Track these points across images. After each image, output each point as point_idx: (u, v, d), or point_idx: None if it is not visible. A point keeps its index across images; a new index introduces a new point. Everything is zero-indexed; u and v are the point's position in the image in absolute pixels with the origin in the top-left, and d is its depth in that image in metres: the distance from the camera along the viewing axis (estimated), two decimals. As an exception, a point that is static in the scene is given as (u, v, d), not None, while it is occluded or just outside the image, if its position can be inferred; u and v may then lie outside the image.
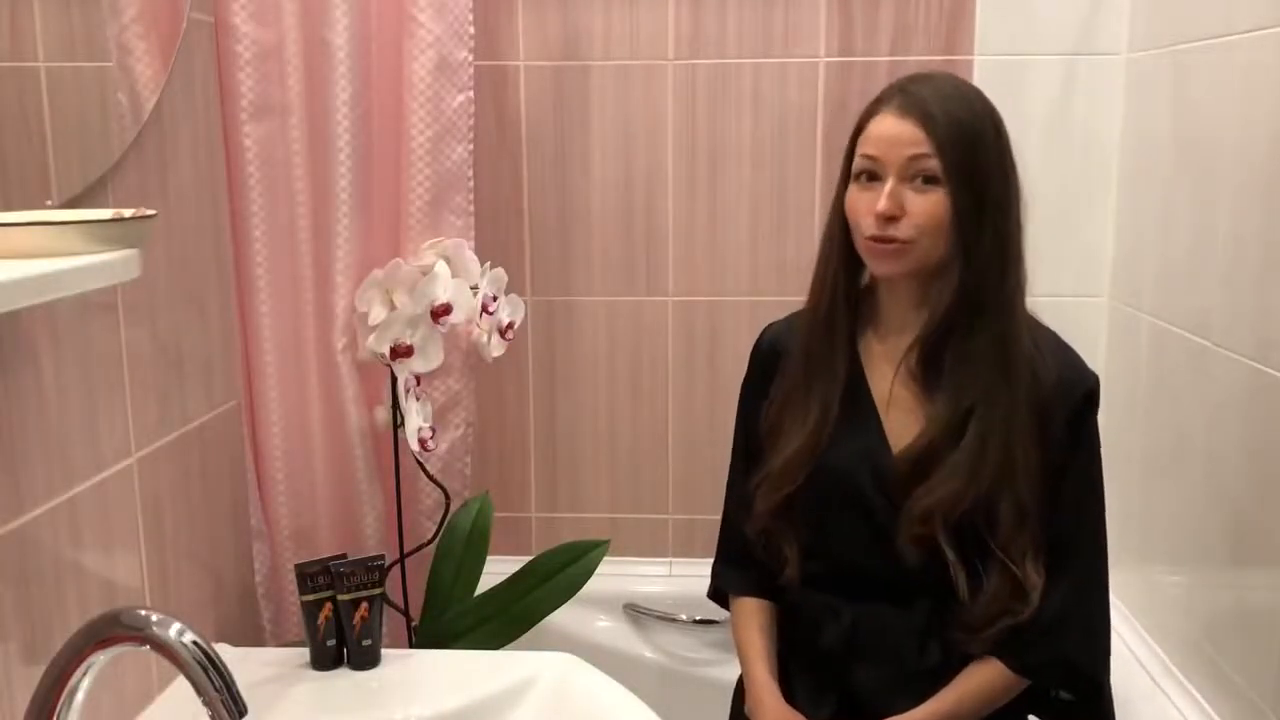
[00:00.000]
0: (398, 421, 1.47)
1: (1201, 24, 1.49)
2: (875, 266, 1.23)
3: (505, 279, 1.54)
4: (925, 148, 1.17)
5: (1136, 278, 1.74)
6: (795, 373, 1.30)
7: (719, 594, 1.44)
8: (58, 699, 0.84)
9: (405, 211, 1.50)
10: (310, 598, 1.26)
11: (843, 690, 1.30)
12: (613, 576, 1.76)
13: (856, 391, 1.28)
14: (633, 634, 1.93)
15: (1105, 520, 1.26)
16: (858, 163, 1.22)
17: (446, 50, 1.46)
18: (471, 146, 1.52)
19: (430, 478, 1.53)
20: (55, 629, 1.00)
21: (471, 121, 1.51)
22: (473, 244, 1.53)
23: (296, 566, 1.29)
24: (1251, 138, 1.35)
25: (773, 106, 1.85)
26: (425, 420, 1.46)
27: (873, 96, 1.25)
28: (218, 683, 0.80)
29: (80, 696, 0.85)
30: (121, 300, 1.13)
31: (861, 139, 1.22)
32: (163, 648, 0.80)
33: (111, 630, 0.82)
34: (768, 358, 1.36)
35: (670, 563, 2.00)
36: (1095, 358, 1.30)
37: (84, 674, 0.84)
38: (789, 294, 1.87)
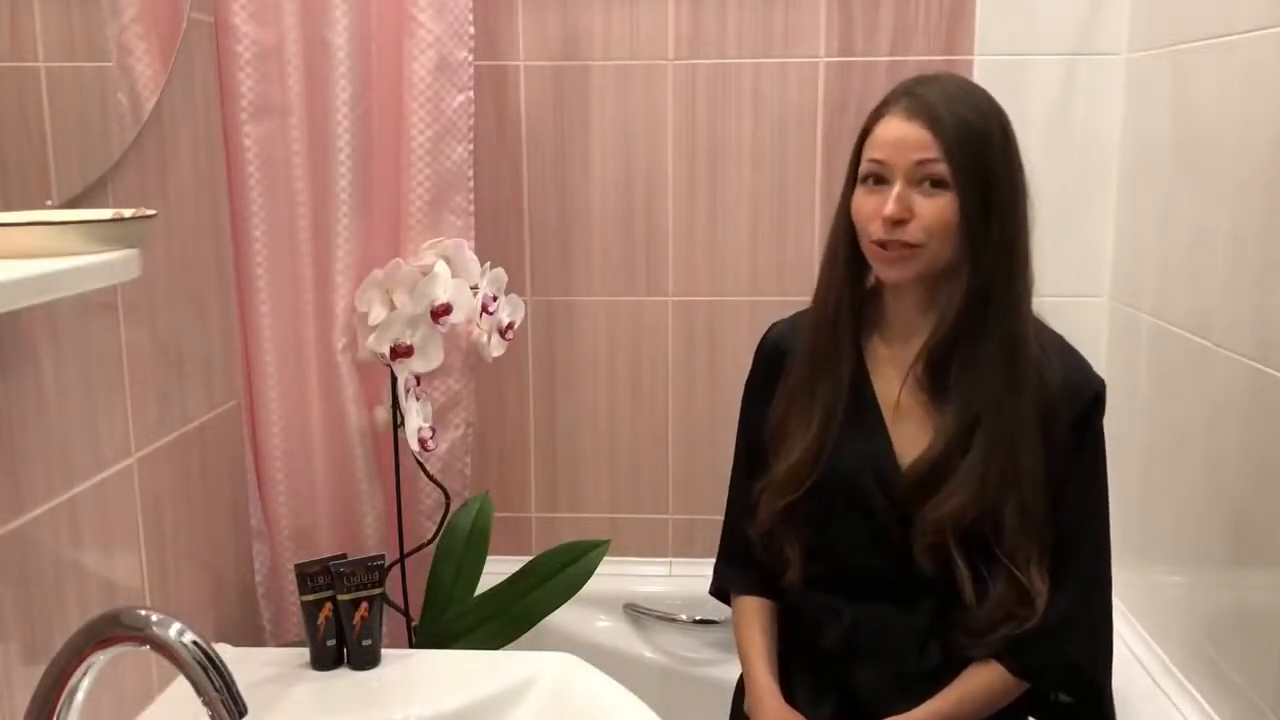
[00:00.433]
0: (398, 421, 1.47)
1: (1201, 24, 1.49)
2: (883, 271, 1.23)
3: (505, 279, 1.54)
4: (933, 151, 1.16)
5: (1136, 278, 1.74)
6: (799, 375, 1.30)
7: (721, 592, 1.44)
8: (58, 699, 0.84)
9: (405, 211, 1.50)
10: (310, 598, 1.26)
11: (843, 690, 1.30)
12: (613, 576, 1.76)
13: (861, 395, 1.27)
14: (633, 634, 1.93)
15: (1109, 524, 1.26)
16: (865, 166, 1.21)
17: (446, 50, 1.46)
18: (471, 146, 1.52)
19: (430, 478, 1.53)
20: (55, 629, 1.00)
21: (471, 121, 1.51)
22: (473, 244, 1.53)
23: (296, 566, 1.29)
24: (1251, 138, 1.35)
25: (773, 106, 1.85)
26: (425, 420, 1.46)
27: (873, 96, 1.25)
28: (218, 683, 0.80)
29: (80, 696, 0.85)
30: (121, 300, 1.13)
31: (868, 143, 1.22)
32: (163, 648, 0.80)
33: (111, 630, 0.82)
34: (772, 357, 1.36)
35: (670, 563, 2.00)
36: (1095, 358, 1.30)
37: (84, 674, 0.83)
38: (789, 294, 1.88)
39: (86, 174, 1.07)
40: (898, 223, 1.17)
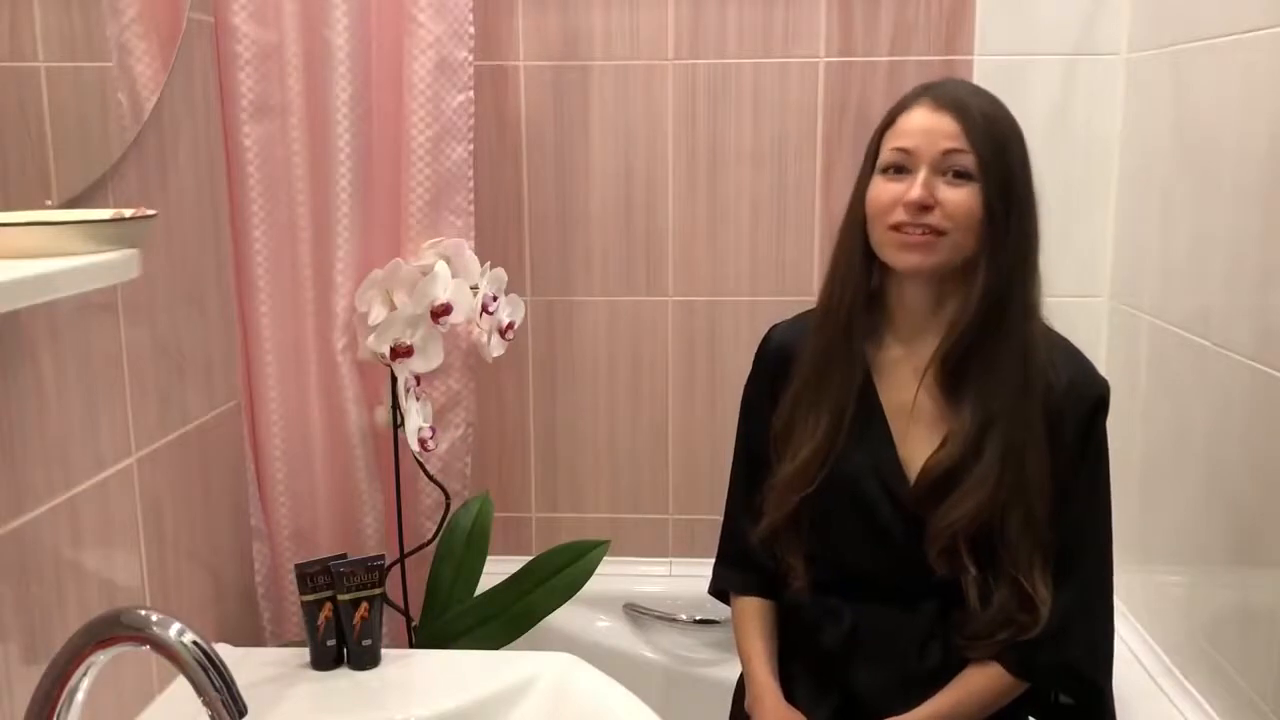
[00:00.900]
0: (398, 421, 1.47)
1: (1201, 24, 1.49)
2: (900, 259, 1.19)
3: (505, 279, 1.54)
4: (960, 142, 1.16)
5: (1136, 278, 1.74)
6: (807, 375, 1.28)
7: (720, 592, 1.44)
8: (58, 699, 0.84)
9: (405, 211, 1.50)
10: (310, 598, 1.26)
11: (843, 691, 1.30)
12: (613, 576, 1.76)
13: (865, 400, 1.27)
14: (633, 634, 1.93)
15: (1111, 526, 1.26)
16: (887, 156, 1.20)
17: (446, 50, 1.46)
18: (471, 146, 1.52)
19: (430, 478, 1.53)
20: (55, 629, 1.00)
21: (471, 121, 1.51)
22: (473, 244, 1.53)
23: (296, 566, 1.29)
24: (1251, 138, 1.35)
25: (773, 106, 1.85)
26: (425, 420, 1.46)
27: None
28: (218, 683, 0.80)
29: (80, 696, 0.84)
30: (121, 300, 1.13)
31: (891, 133, 1.20)
32: (163, 648, 0.80)
33: (111, 630, 0.82)
34: (775, 359, 1.35)
35: (670, 563, 2.00)
36: (1095, 358, 1.30)
37: (84, 674, 0.83)
38: (789, 294, 1.88)
39: (86, 174, 1.07)
40: (923, 208, 1.16)
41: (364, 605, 1.26)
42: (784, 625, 1.37)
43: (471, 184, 1.53)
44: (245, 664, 1.24)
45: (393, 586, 1.49)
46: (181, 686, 1.08)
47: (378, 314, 1.43)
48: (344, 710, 1.18)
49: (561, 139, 1.88)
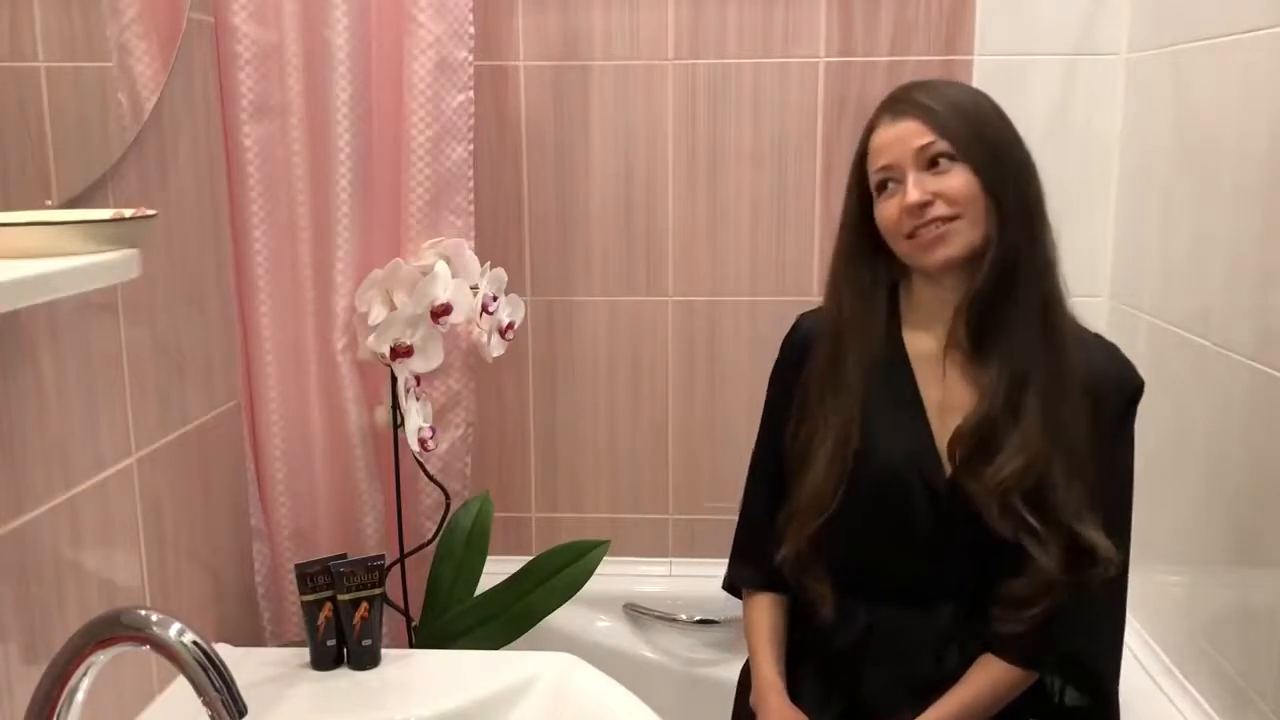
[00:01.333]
0: (398, 421, 1.47)
1: (1201, 24, 1.49)
2: (926, 258, 1.21)
3: (505, 279, 1.54)
4: (929, 135, 1.19)
5: (1136, 278, 1.74)
6: (820, 380, 1.28)
7: (733, 587, 1.44)
8: (58, 699, 0.84)
9: (405, 211, 1.50)
10: (310, 598, 1.26)
11: (850, 693, 1.30)
12: (613, 576, 1.76)
13: (901, 392, 1.26)
14: (633, 634, 1.93)
15: (1131, 520, 1.26)
16: (874, 178, 1.23)
17: (446, 50, 1.46)
18: (471, 146, 1.52)
19: (430, 478, 1.53)
20: (55, 629, 1.00)
21: (471, 121, 1.51)
22: (473, 244, 1.53)
23: (296, 566, 1.29)
24: (1251, 138, 1.35)
25: (773, 106, 1.85)
26: (425, 420, 1.46)
27: (873, 96, 1.25)
28: (218, 683, 0.80)
29: (80, 696, 0.84)
30: (121, 300, 1.13)
31: (870, 159, 1.24)
32: (163, 648, 0.80)
33: (111, 630, 0.82)
34: (802, 347, 1.34)
35: (670, 563, 2.00)
36: (1095, 358, 1.31)
37: (84, 674, 0.83)
38: (789, 294, 1.88)
39: (86, 174, 1.07)
40: (923, 205, 1.18)
41: (364, 605, 1.26)
42: (796, 624, 1.37)
43: (471, 184, 1.53)
44: (245, 664, 1.24)
45: (393, 586, 1.49)
46: (181, 686, 1.08)
47: (378, 314, 1.43)
48: (344, 710, 1.18)
49: (561, 139, 1.88)
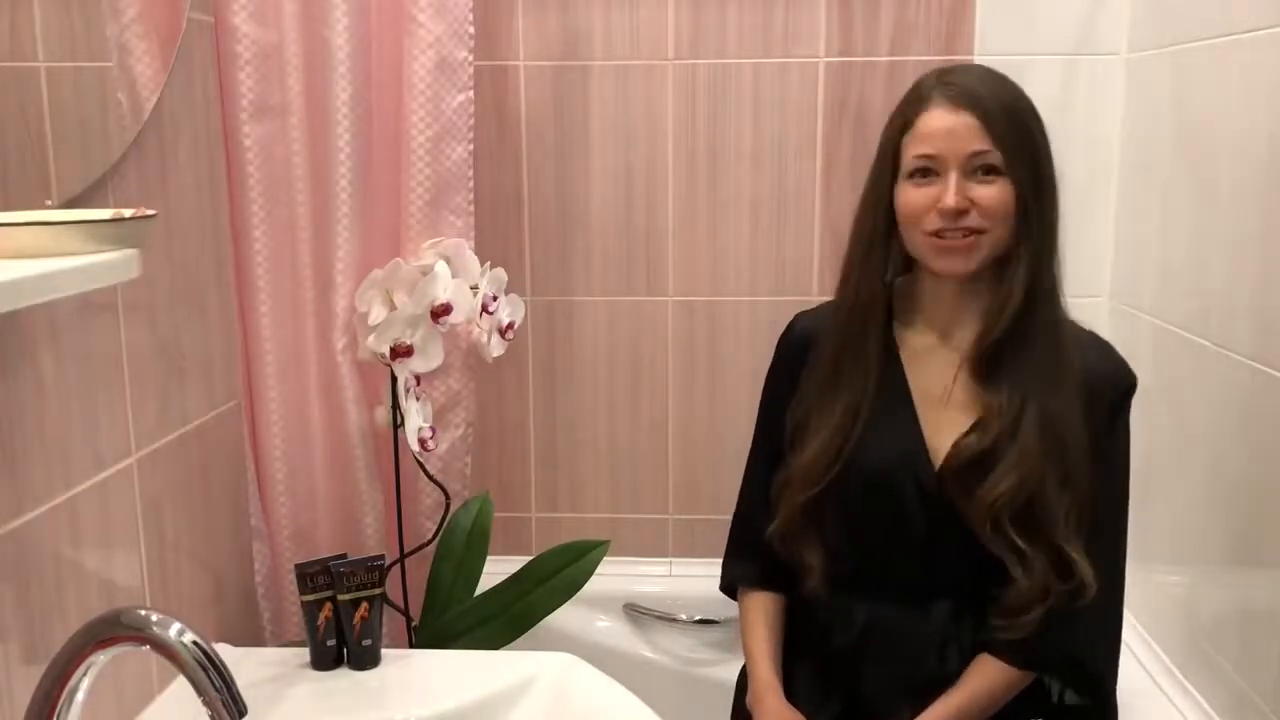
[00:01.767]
0: (398, 421, 1.47)
1: (1201, 24, 1.49)
2: (944, 265, 1.20)
3: (505, 279, 1.54)
4: (985, 141, 1.16)
5: (1136, 278, 1.74)
6: (824, 370, 1.29)
7: (730, 588, 1.44)
8: (58, 699, 0.84)
9: (405, 211, 1.50)
10: (310, 598, 1.26)
11: (848, 693, 1.30)
12: (613, 576, 1.76)
13: (893, 388, 1.27)
14: (633, 634, 1.93)
15: (1127, 519, 1.27)
16: (912, 162, 1.19)
17: (446, 50, 1.46)
18: (471, 146, 1.52)
19: (430, 478, 1.53)
20: (55, 629, 1.00)
21: (471, 121, 1.51)
22: (473, 244, 1.53)
23: (296, 566, 1.29)
24: (1251, 138, 1.35)
25: (773, 106, 1.85)
26: (425, 420, 1.46)
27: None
28: (218, 683, 0.80)
29: (80, 696, 0.85)
30: (121, 300, 1.13)
31: (912, 137, 1.19)
32: (163, 648, 0.80)
33: (111, 630, 0.82)
34: (797, 346, 1.35)
35: (670, 563, 2.00)
36: (1095, 358, 1.32)
37: (84, 674, 0.83)
38: (789, 294, 1.88)
39: (86, 174, 1.07)
40: (959, 213, 1.16)
41: (364, 605, 1.26)
42: (793, 623, 1.37)
43: (471, 184, 1.53)
44: (245, 664, 1.25)
45: (393, 586, 1.49)
46: (181, 686, 1.07)
47: (378, 314, 1.43)
48: (344, 710, 1.18)
49: (561, 139, 1.88)
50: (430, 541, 1.55)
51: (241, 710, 0.80)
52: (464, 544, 1.56)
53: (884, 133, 1.24)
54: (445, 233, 1.51)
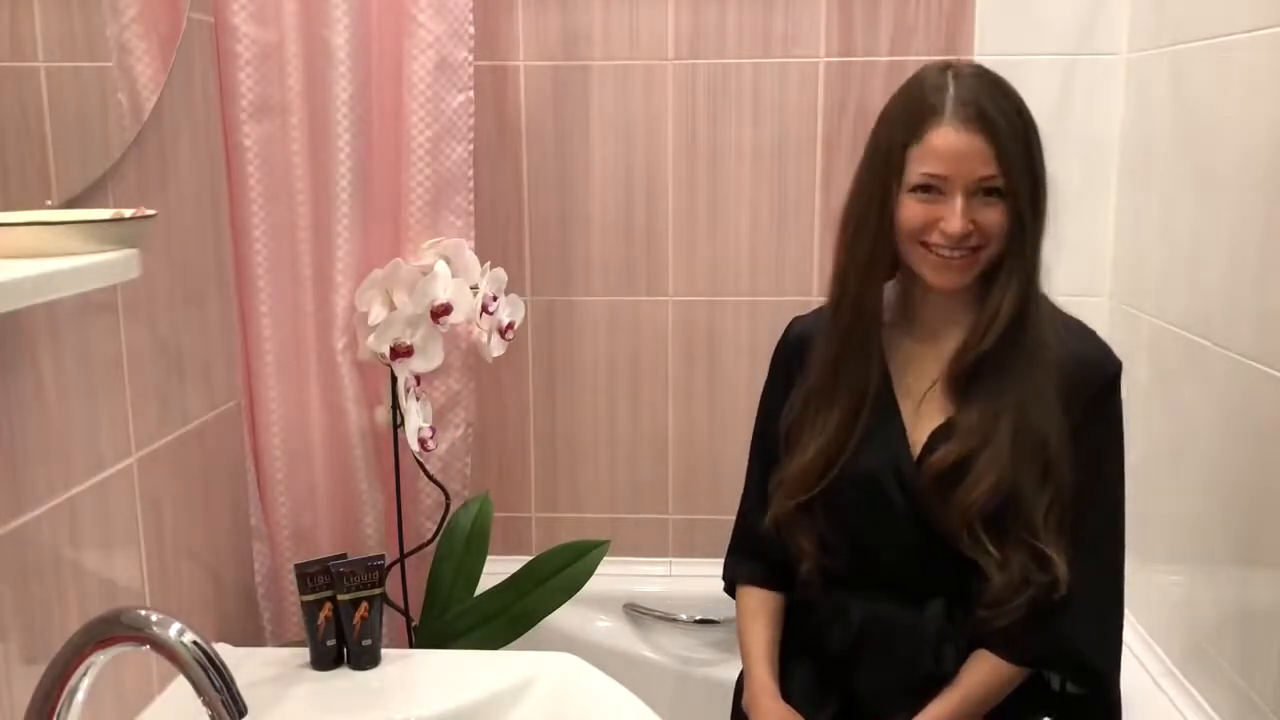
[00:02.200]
0: (398, 421, 1.47)
1: (1201, 24, 1.49)
2: (940, 279, 1.21)
3: (505, 279, 1.54)
4: (993, 166, 1.16)
5: (1136, 278, 1.74)
6: (819, 373, 1.29)
7: (732, 586, 1.44)
8: (58, 699, 0.84)
9: (405, 211, 1.50)
10: (310, 598, 1.26)
11: (844, 693, 1.30)
12: (613, 576, 1.76)
13: (882, 393, 1.27)
14: (633, 634, 1.93)
15: (1122, 506, 1.26)
16: (917, 178, 1.18)
17: (446, 50, 1.46)
18: (471, 146, 1.52)
19: (430, 478, 1.53)
20: (55, 629, 1.00)
21: (471, 121, 1.51)
22: (473, 244, 1.53)
23: (296, 566, 1.29)
24: (1251, 138, 1.35)
25: (773, 106, 1.85)
26: (425, 420, 1.46)
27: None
28: (218, 683, 0.80)
29: (80, 696, 0.85)
30: (121, 300, 1.13)
31: (919, 152, 1.17)
32: (163, 648, 0.80)
33: (111, 630, 0.82)
34: (793, 349, 1.35)
35: (670, 563, 2.00)
36: (1096, 358, 1.31)
37: (84, 674, 0.84)
38: (788, 294, 1.88)
39: (86, 174, 1.07)
40: (962, 236, 1.17)
41: (364, 605, 1.26)
42: (790, 623, 1.37)
43: (471, 184, 1.53)
44: (245, 664, 1.25)
45: (393, 586, 1.49)
46: (181, 686, 1.07)
47: (378, 314, 1.43)
48: (344, 710, 1.18)
49: (561, 139, 1.88)
50: (430, 541, 1.55)
51: (241, 710, 0.80)
52: (464, 544, 1.56)
53: (884, 131, 1.22)
54: (445, 233, 1.51)
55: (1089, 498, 1.22)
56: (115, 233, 0.87)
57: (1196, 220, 1.51)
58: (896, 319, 1.29)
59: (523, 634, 1.52)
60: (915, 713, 1.24)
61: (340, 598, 1.26)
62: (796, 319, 1.40)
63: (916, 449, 1.25)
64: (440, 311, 1.43)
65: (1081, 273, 1.84)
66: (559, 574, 1.54)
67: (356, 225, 1.47)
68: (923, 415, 1.26)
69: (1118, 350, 1.28)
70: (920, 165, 1.18)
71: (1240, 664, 1.36)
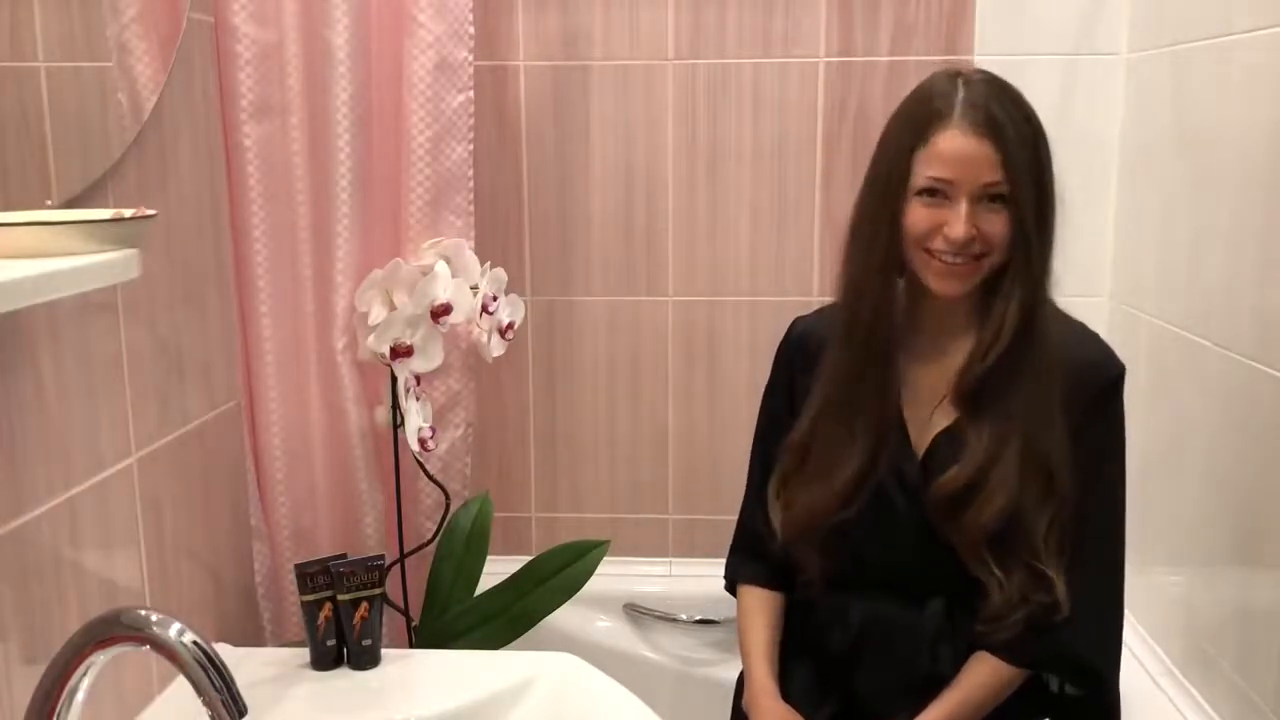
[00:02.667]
0: (398, 421, 1.47)
1: (1201, 24, 1.49)
2: (943, 286, 1.20)
3: (505, 279, 1.54)
4: (1000, 173, 1.15)
5: (1136, 278, 1.74)
6: (834, 391, 1.27)
7: (733, 586, 1.44)
8: (58, 699, 0.84)
9: (405, 211, 1.50)
10: (310, 598, 1.26)
11: (844, 693, 1.30)
12: (613, 576, 1.76)
13: (888, 395, 1.26)
14: (633, 634, 1.93)
15: (1123, 510, 1.26)
16: (923, 181, 1.17)
17: (446, 50, 1.46)
18: (471, 146, 1.52)
19: (430, 478, 1.53)
20: (55, 629, 1.00)
21: (471, 121, 1.51)
22: (473, 244, 1.53)
23: (296, 566, 1.29)
24: (1251, 138, 1.35)
25: (773, 106, 1.85)
26: (425, 420, 1.46)
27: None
28: (218, 683, 0.80)
29: (80, 696, 0.85)
30: (121, 300, 1.13)
31: (926, 156, 1.17)
32: (163, 648, 0.80)
33: (111, 630, 0.82)
34: (796, 348, 1.35)
35: (670, 563, 2.00)
36: (1096, 358, 1.31)
37: (84, 674, 0.84)
38: (788, 294, 1.88)
39: (86, 174, 1.07)
40: (966, 241, 1.16)
41: (364, 605, 1.26)
42: (790, 623, 1.37)
43: (471, 184, 1.53)
44: (245, 664, 1.25)
45: (393, 586, 1.49)
46: (181, 686, 1.07)
47: (378, 314, 1.43)
48: (344, 710, 1.18)
49: (561, 139, 1.88)
50: (430, 541, 1.55)
51: (241, 710, 0.80)
52: (464, 544, 1.56)
53: (892, 135, 1.21)
54: (445, 233, 1.51)
55: (1089, 498, 1.22)
56: (115, 233, 0.87)
57: (1196, 220, 1.51)
58: (905, 333, 1.28)
59: (523, 634, 1.52)
60: (915, 713, 1.24)
61: (340, 598, 1.26)
62: (799, 319, 1.39)
63: (919, 452, 1.25)
64: (440, 311, 1.43)
65: (1081, 273, 1.84)
66: (559, 574, 1.54)
67: (356, 225, 1.47)
68: (926, 422, 1.26)
69: (1117, 350, 1.28)
70: (926, 169, 1.17)
71: (1240, 664, 1.37)
